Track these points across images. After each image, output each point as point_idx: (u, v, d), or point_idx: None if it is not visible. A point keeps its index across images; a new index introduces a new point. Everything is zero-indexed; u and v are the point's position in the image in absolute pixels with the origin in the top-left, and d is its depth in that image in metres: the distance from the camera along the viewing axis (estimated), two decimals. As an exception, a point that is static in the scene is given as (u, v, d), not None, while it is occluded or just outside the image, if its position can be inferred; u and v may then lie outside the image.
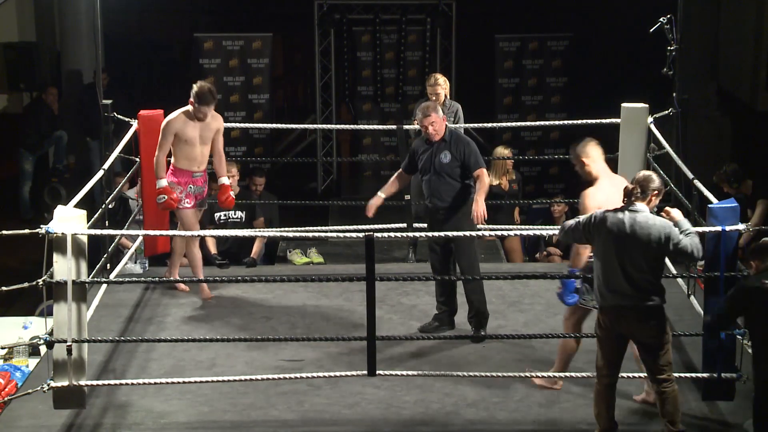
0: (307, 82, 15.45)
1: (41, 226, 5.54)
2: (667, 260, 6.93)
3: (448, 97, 8.31)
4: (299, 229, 8.67)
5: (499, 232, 8.34)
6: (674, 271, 7.39)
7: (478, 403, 6.02)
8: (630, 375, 5.80)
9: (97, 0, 7.60)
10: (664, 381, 5.38)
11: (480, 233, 6.86)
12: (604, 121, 8.17)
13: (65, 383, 5.64)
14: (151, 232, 7.35)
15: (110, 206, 7.93)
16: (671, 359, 5.44)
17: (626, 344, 5.46)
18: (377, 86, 14.02)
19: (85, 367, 5.71)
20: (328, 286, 7.81)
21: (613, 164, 7.79)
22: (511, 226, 8.93)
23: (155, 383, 6.09)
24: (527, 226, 9.29)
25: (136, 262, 8.31)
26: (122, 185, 8.27)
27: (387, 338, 6.55)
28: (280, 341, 6.67)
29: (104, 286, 7.43)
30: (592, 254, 5.73)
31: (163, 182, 7.27)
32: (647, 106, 7.80)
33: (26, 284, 5.71)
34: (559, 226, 5.80)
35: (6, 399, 6.10)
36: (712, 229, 5.65)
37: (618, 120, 7.88)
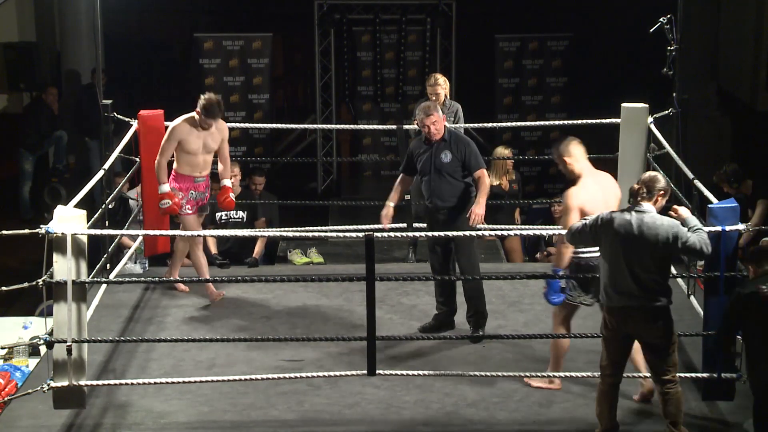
0: (307, 82, 15.45)
1: (41, 226, 5.54)
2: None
3: (448, 97, 8.30)
4: (299, 229, 8.67)
5: (499, 232, 8.35)
6: (674, 271, 7.39)
7: (478, 403, 6.02)
8: (630, 375, 5.79)
9: (97, 0, 7.61)
10: (669, 382, 5.37)
11: (480, 233, 6.87)
12: (604, 121, 8.17)
13: (65, 383, 5.64)
14: (151, 232, 7.35)
15: (110, 206, 7.93)
16: (677, 360, 5.44)
17: (632, 344, 5.46)
18: (377, 86, 14.02)
19: (85, 367, 5.72)
20: (328, 286, 7.81)
21: (613, 164, 7.83)
22: (511, 226, 8.93)
23: (155, 383, 6.09)
24: (527, 226, 9.29)
25: (136, 262, 8.31)
26: (122, 185, 8.27)
27: (387, 338, 6.55)
28: (280, 341, 6.67)
29: (104, 286, 7.43)
30: (574, 253, 5.80)
31: (166, 187, 7.26)
32: (647, 106, 7.80)
33: (26, 284, 5.71)
34: (558, 226, 5.81)
35: (6, 399, 6.10)
36: (712, 229, 5.65)
37: (618, 120, 7.88)
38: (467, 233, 6.66)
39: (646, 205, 5.32)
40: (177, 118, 7.35)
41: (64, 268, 5.52)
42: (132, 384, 6.11)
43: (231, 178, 7.69)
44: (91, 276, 6.17)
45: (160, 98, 13.76)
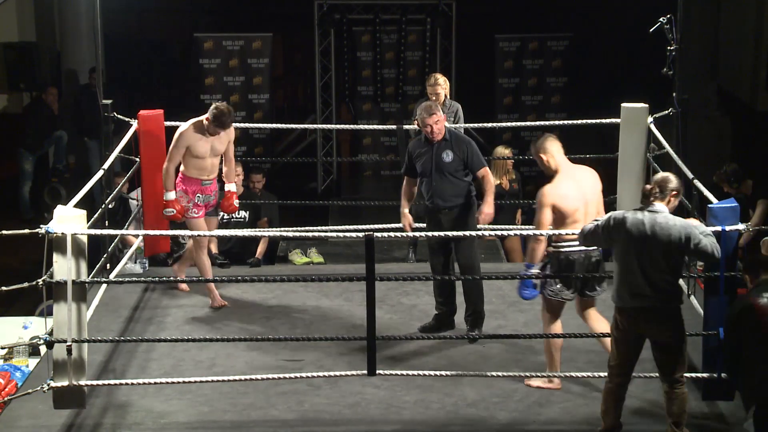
0: (307, 82, 15.45)
1: (41, 226, 5.53)
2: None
3: (448, 97, 8.30)
4: (299, 229, 8.67)
5: (499, 232, 8.34)
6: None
7: (478, 403, 6.02)
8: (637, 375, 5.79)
9: (97, 0, 7.61)
10: (676, 382, 5.36)
11: (480, 233, 6.87)
12: (604, 121, 8.17)
13: (65, 383, 5.63)
14: (152, 232, 7.35)
15: (110, 206, 7.92)
16: (686, 361, 5.44)
17: (642, 344, 5.44)
18: (377, 86, 14.02)
19: (85, 367, 5.71)
20: (328, 286, 7.81)
21: (613, 164, 7.83)
22: (511, 226, 8.93)
23: (155, 383, 6.09)
24: (527, 226, 9.26)
25: (136, 262, 8.31)
26: (122, 185, 8.26)
27: (387, 338, 6.55)
28: (280, 341, 6.67)
29: (104, 286, 7.43)
30: (554, 246, 5.87)
31: (172, 195, 7.20)
32: (647, 106, 7.80)
33: (26, 284, 5.70)
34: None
35: (6, 399, 6.10)
36: (712, 229, 5.64)
37: (618, 120, 7.88)
38: (468, 233, 6.65)
39: (659, 205, 5.32)
40: (185, 122, 7.25)
41: (64, 268, 5.51)
42: (132, 384, 6.11)
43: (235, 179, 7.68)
44: (91, 276, 6.17)
45: (160, 98, 13.78)
